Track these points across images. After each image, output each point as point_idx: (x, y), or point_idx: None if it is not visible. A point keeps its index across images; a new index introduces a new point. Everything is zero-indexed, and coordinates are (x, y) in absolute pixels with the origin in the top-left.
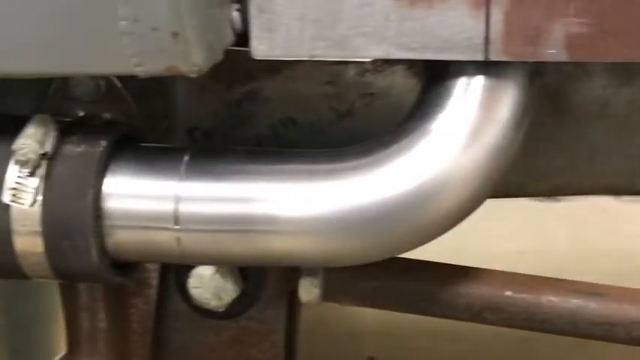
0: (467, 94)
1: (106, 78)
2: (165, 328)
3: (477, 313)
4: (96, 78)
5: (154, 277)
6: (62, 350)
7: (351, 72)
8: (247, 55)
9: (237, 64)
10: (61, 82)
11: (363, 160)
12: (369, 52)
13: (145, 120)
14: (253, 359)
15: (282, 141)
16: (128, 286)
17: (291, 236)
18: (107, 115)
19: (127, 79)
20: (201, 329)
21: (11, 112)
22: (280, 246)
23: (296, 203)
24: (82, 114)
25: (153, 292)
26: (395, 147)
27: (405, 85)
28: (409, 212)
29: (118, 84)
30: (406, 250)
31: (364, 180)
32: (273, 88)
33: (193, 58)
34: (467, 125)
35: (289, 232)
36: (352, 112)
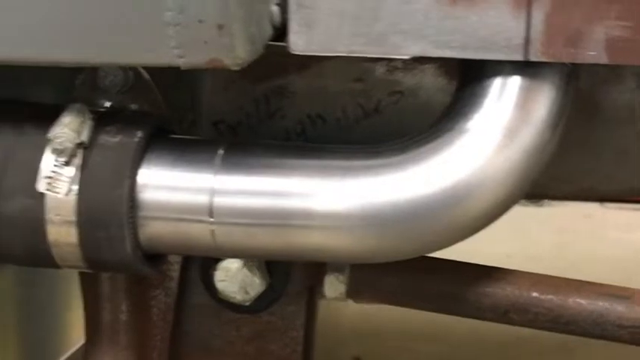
0: (503, 94)
1: (134, 69)
2: (184, 322)
3: (503, 314)
4: (125, 69)
5: (175, 270)
6: (79, 340)
7: (380, 69)
8: (276, 50)
9: (265, 59)
10: (89, 72)
11: (399, 158)
12: (407, 50)
13: (171, 112)
14: (272, 354)
15: (309, 137)
16: (151, 278)
17: (325, 231)
18: (134, 107)
19: (155, 71)
20: (221, 323)
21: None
22: (314, 241)
23: (332, 199)
24: (108, 104)
25: (174, 285)
26: (431, 145)
27: (434, 84)
28: (443, 211)
29: (146, 75)
30: (437, 249)
31: (400, 177)
32: (301, 84)
33: (237, 52)
34: (503, 125)
35: (324, 227)
36: (379, 110)
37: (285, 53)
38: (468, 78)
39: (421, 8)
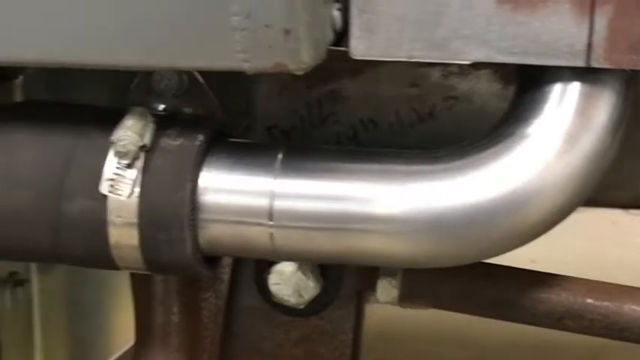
0: (564, 100)
1: (189, 73)
2: (234, 324)
3: (558, 320)
4: (179, 73)
5: (225, 273)
6: (128, 342)
7: (436, 75)
8: (331, 55)
9: (320, 64)
10: (143, 76)
11: (459, 163)
12: (468, 55)
13: (225, 117)
14: (321, 357)
15: (361, 141)
16: (202, 281)
17: (385, 236)
18: (188, 111)
19: (209, 75)
20: (271, 326)
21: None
22: (373, 245)
23: (392, 203)
24: (162, 108)
25: (224, 288)
26: (491, 150)
27: (489, 90)
28: (503, 216)
29: (201, 79)
30: (495, 255)
31: (460, 182)
32: (354, 89)
33: (302, 56)
34: (563, 131)
35: (383, 231)
36: (434, 115)
37: (339, 58)
38: (527, 83)
39: (483, 14)
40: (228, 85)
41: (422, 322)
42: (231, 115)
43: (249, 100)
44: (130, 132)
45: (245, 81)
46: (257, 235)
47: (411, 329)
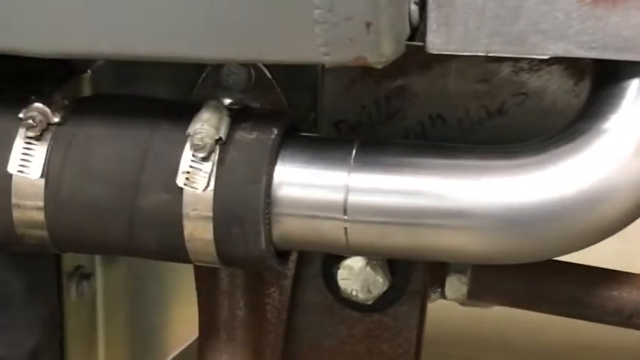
0: None
1: (257, 68)
2: (296, 320)
3: (627, 318)
4: (248, 67)
5: (290, 268)
6: (191, 335)
7: (506, 70)
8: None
9: None
10: (212, 70)
11: (536, 158)
12: (547, 50)
13: (292, 111)
14: (384, 354)
15: (429, 137)
16: (266, 276)
17: (460, 231)
18: (255, 106)
19: (276, 70)
20: (334, 322)
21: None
22: (447, 241)
23: (469, 198)
24: (228, 102)
25: (288, 283)
26: (568, 146)
27: (560, 86)
28: (581, 212)
29: (268, 74)
30: (570, 252)
31: (538, 177)
32: (423, 84)
33: (383, 50)
34: None
35: (459, 227)
36: (503, 112)
37: (408, 53)
38: (603, 79)
39: (562, 8)
40: (295, 79)
41: (462, 327)
42: (297, 110)
43: (316, 95)
44: (207, 125)
45: (312, 76)
46: (331, 230)
47: (451, 333)
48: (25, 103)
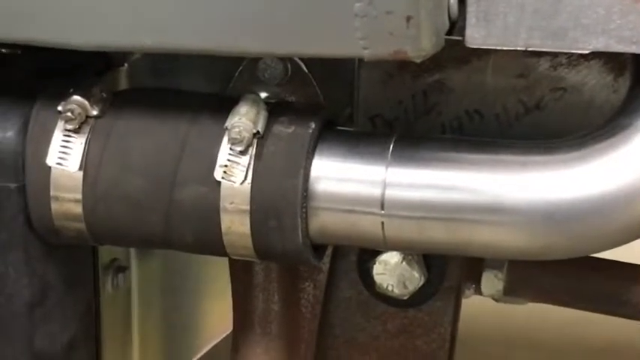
0: None
1: (293, 62)
2: (330, 315)
3: None
4: (284, 61)
5: (325, 263)
6: (225, 329)
7: (544, 65)
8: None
9: None
10: (248, 64)
11: (575, 154)
12: (587, 45)
13: (328, 106)
14: (417, 350)
15: (466, 133)
16: (301, 271)
17: (498, 227)
18: (292, 99)
19: (312, 64)
20: (368, 317)
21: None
22: (485, 236)
23: (509, 194)
24: (264, 96)
25: (322, 278)
26: (608, 142)
27: (599, 82)
28: (620, 209)
29: (305, 68)
30: (610, 248)
31: (579, 173)
32: (460, 79)
33: (422, 44)
34: None
35: (497, 222)
36: (540, 107)
37: (445, 47)
38: None
39: (603, 3)
40: (332, 74)
41: (489, 324)
42: (333, 104)
43: (352, 90)
44: (245, 119)
45: (348, 70)
46: (368, 224)
47: (478, 331)
48: (64, 96)
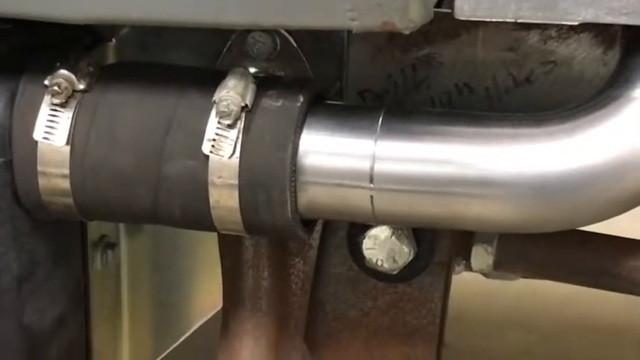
0: None
1: (282, 37)
2: (320, 291)
3: None
4: (274, 36)
5: (314, 239)
6: (215, 307)
7: (534, 38)
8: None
9: None
10: (237, 38)
11: (565, 126)
12: (577, 16)
13: (317, 80)
14: (409, 325)
15: (456, 106)
16: (290, 247)
17: (488, 200)
18: (281, 74)
19: (301, 39)
20: (358, 293)
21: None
22: (475, 209)
23: (496, 166)
24: (254, 71)
25: (313, 254)
26: (598, 113)
27: (589, 55)
28: (610, 181)
29: (294, 43)
30: (599, 221)
31: (567, 145)
32: (450, 53)
33: (410, 15)
34: None
35: (487, 195)
36: (530, 80)
37: (434, 21)
38: (634, 46)
39: None
40: (321, 48)
41: (483, 304)
42: (323, 79)
43: (341, 65)
44: (233, 92)
45: (337, 45)
46: (357, 198)
47: (472, 311)
48: (51, 70)
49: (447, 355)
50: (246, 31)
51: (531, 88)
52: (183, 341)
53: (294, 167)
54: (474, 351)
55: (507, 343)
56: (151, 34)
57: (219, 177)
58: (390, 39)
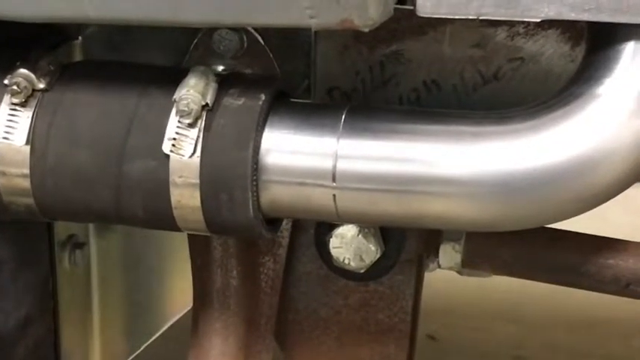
0: (636, 59)
1: (249, 34)
2: (291, 290)
3: (625, 287)
4: (240, 33)
5: (284, 237)
6: (186, 305)
7: (501, 35)
8: (395, 15)
9: (381, 24)
10: (203, 36)
11: (529, 124)
12: (539, 12)
13: (284, 78)
14: (380, 323)
15: (424, 104)
16: (260, 245)
17: (451, 198)
18: (248, 72)
19: (269, 37)
20: (329, 292)
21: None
22: (439, 208)
23: (459, 165)
24: (221, 69)
25: (282, 252)
26: (561, 111)
27: (557, 51)
28: (573, 179)
29: (261, 40)
30: (564, 219)
31: (530, 143)
32: (417, 50)
33: (369, 12)
34: (636, 90)
35: (450, 194)
36: (498, 77)
37: (401, 18)
38: (598, 42)
39: None
40: (288, 46)
41: (472, 298)
42: (290, 76)
43: (309, 62)
44: (193, 91)
45: (305, 43)
46: (320, 197)
47: (461, 304)
48: (11, 69)
49: (437, 349)
50: (213, 29)
51: (499, 84)
52: (155, 339)
53: (255, 166)
54: (464, 344)
55: (497, 336)
56: (118, 32)
57: (180, 176)
58: (356, 36)
